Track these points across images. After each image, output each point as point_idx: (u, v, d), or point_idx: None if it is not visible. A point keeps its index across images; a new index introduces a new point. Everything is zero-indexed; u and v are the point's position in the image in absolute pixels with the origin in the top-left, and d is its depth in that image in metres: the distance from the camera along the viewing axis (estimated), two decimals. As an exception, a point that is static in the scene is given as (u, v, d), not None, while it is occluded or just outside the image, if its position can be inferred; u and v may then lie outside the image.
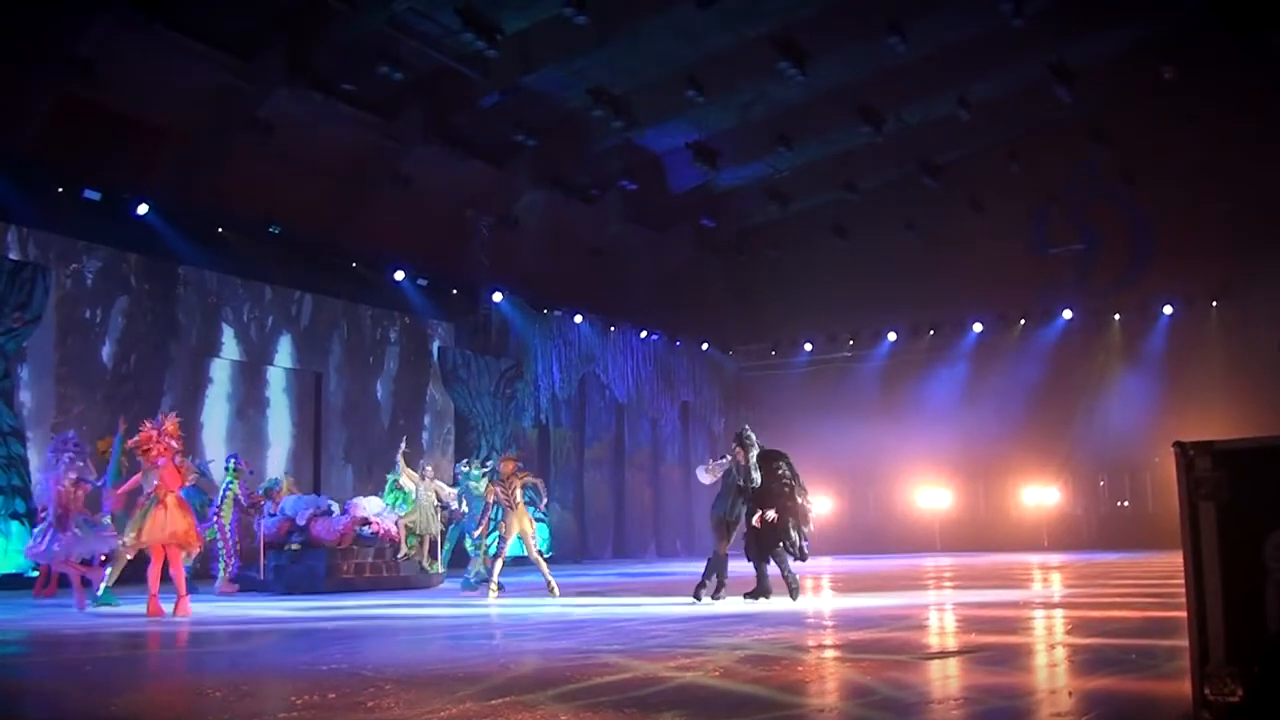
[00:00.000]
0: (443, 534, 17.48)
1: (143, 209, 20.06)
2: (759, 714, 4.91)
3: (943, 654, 7.16)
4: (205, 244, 21.22)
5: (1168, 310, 29.53)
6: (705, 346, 34.56)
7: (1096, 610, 10.11)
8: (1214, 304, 28.92)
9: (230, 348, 22.32)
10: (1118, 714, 4.85)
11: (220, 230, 21.55)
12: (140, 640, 9.39)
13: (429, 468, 17.68)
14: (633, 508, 31.82)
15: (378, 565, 16.27)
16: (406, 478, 17.11)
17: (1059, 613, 10.28)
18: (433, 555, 17.41)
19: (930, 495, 32.55)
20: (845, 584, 15.64)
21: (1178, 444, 4.29)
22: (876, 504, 33.75)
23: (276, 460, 23.06)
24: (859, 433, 30.81)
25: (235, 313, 22.45)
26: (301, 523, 15.87)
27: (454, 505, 17.06)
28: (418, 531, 17.03)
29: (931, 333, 32.63)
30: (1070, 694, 5.33)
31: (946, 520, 32.45)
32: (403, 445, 18.16)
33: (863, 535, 31.83)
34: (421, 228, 25.50)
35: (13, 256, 18.33)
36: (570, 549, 27.95)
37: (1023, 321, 31.46)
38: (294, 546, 15.87)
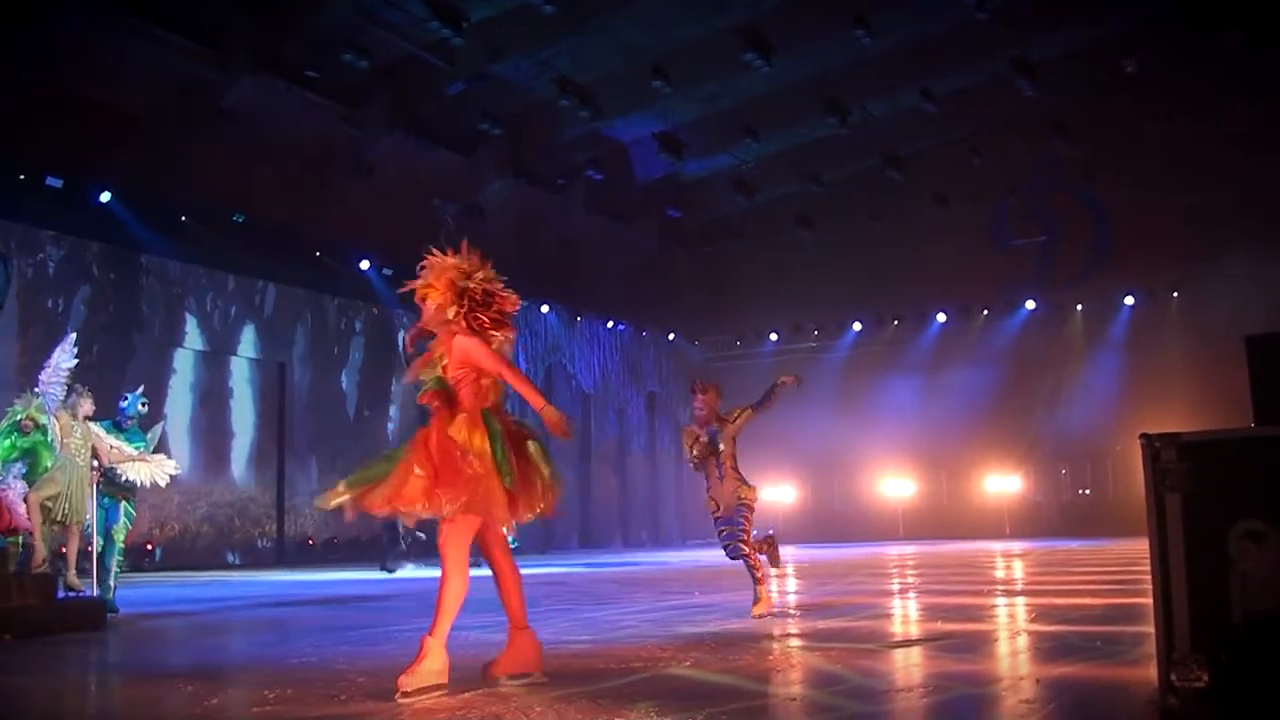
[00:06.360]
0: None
1: (105, 197, 19.90)
2: (733, 703, 4.96)
3: (908, 642, 7.23)
4: (168, 232, 21.07)
5: (1129, 301, 29.94)
6: (672, 337, 34.66)
7: (1059, 598, 10.23)
8: (1174, 294, 29.30)
9: (194, 337, 22.16)
10: (1084, 700, 4.93)
11: (184, 219, 21.39)
12: (99, 634, 9.30)
13: (85, 401, 10.41)
14: (599, 498, 31.87)
15: None
16: (58, 417, 10.14)
17: (1021, 600, 10.40)
18: (91, 567, 10.38)
19: (894, 484, 32.77)
20: (814, 573, 15.75)
21: (1144, 436, 4.35)
22: (841, 493, 33.96)
23: (240, 451, 22.94)
24: (824, 422, 30.97)
25: (199, 302, 22.29)
26: None
27: (128, 474, 10.58)
28: (59, 517, 9.95)
29: (895, 323, 32.90)
30: (1036, 681, 5.40)
31: (910, 508, 32.69)
32: (70, 344, 10.63)
33: (827, 524, 32.10)
34: (387, 217, 25.34)
35: (-28, 245, 18.13)
36: (536, 539, 27.92)
37: (985, 312, 31.76)
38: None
